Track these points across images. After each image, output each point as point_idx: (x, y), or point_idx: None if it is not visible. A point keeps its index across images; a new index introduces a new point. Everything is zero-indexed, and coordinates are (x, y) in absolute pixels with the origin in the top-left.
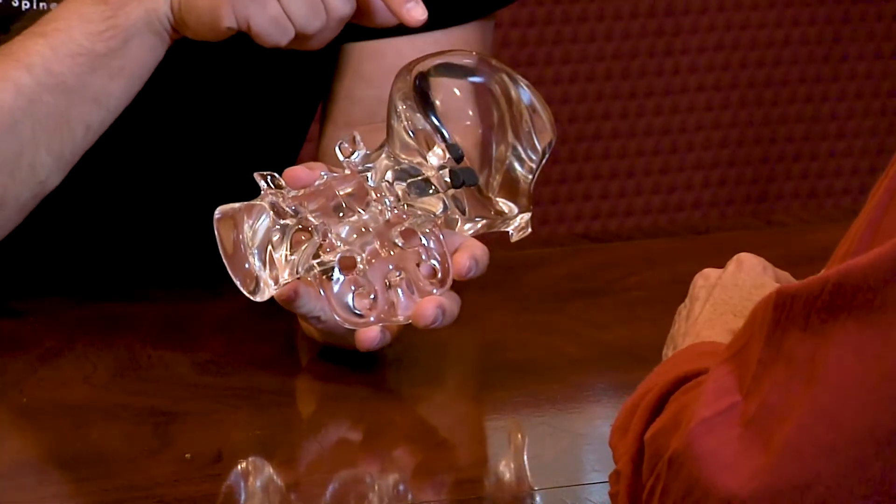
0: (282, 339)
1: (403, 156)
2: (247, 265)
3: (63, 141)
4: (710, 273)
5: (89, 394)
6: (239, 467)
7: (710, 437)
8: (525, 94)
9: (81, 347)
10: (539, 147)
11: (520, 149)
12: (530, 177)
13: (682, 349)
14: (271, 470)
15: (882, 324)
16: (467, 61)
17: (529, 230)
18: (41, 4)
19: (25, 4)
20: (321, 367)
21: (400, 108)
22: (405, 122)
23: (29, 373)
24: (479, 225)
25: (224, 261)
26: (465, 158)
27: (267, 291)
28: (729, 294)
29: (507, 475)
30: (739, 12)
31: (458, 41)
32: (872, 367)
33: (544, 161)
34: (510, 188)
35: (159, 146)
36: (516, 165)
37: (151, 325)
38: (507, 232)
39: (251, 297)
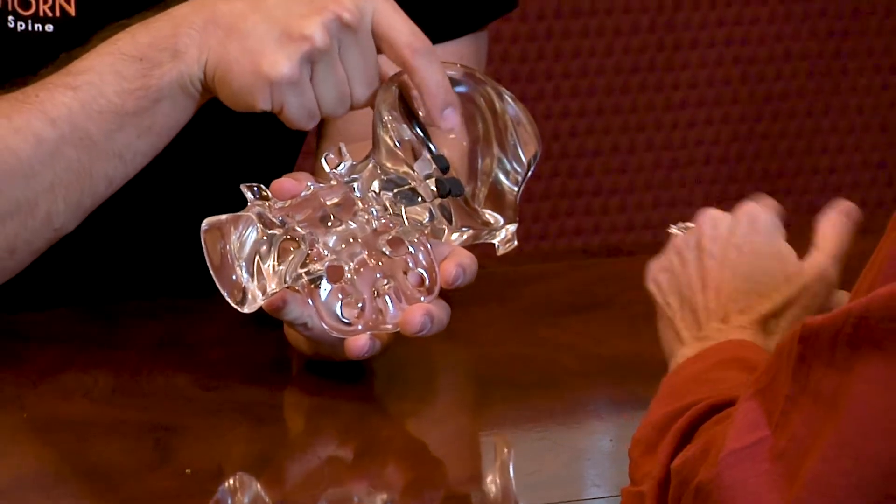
0: (281, 353)
1: (390, 165)
2: (234, 276)
3: (83, 193)
4: (719, 220)
5: (90, 408)
6: (239, 482)
7: (738, 469)
8: (510, 107)
9: (82, 362)
10: (524, 159)
11: (505, 161)
12: (516, 189)
13: (715, 347)
14: (271, 486)
15: None
16: (452, 74)
17: (515, 243)
18: (36, 26)
19: (21, 25)
20: (324, 382)
21: (386, 118)
22: (391, 132)
23: (29, 387)
24: (466, 235)
25: (211, 272)
26: (451, 169)
27: (255, 302)
28: (745, 259)
29: (505, 490)
30: (740, 27)
31: (453, 55)
32: (895, 400)
33: (530, 173)
34: (496, 200)
35: (157, 159)
36: (502, 178)
37: (151, 340)
38: (494, 245)
39: (238, 309)
